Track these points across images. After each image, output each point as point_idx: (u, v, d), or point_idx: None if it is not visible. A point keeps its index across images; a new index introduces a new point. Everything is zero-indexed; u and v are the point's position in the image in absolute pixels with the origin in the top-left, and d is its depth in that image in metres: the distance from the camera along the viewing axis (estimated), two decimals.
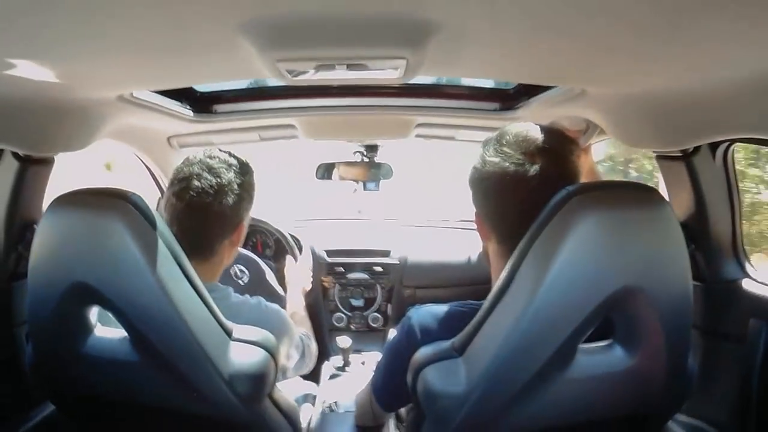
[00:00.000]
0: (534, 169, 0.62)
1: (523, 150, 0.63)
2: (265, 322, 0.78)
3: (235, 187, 0.80)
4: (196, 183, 0.77)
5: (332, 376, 1.31)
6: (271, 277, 1.43)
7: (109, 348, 0.69)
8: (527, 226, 0.58)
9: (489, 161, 0.65)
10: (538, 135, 0.64)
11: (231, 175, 0.80)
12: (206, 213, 0.78)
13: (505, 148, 0.64)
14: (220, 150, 0.84)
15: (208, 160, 0.80)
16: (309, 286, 1.38)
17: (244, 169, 0.83)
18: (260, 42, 0.57)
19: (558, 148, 0.64)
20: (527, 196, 0.62)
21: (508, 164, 0.63)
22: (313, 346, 1.05)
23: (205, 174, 0.78)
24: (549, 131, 0.65)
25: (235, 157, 0.84)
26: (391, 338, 0.76)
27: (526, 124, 0.67)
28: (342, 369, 1.34)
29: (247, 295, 0.85)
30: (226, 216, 0.80)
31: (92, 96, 0.84)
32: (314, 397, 1.20)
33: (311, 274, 1.43)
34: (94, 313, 0.71)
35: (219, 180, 0.78)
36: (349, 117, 1.24)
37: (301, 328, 1.11)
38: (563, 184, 0.58)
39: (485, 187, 0.66)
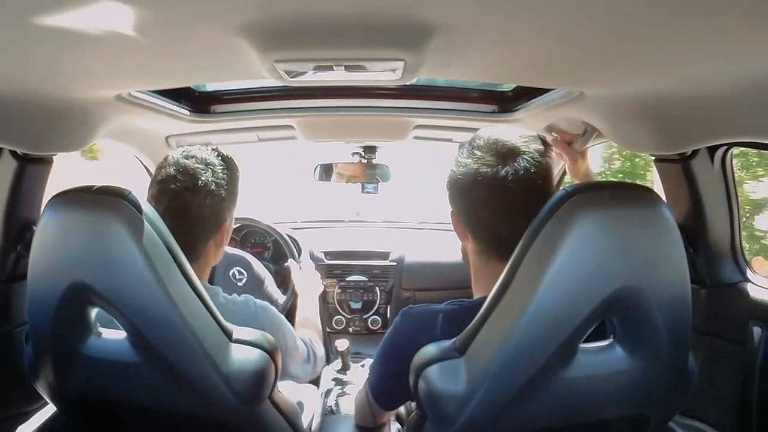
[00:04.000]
0: (506, 169, 0.65)
1: (494, 152, 0.66)
2: (253, 320, 0.77)
3: (213, 187, 0.78)
4: (172, 186, 0.76)
5: (332, 380, 1.30)
6: (270, 283, 1.43)
7: (109, 349, 0.69)
8: (503, 224, 0.63)
9: (462, 163, 0.68)
10: (508, 137, 0.68)
11: (209, 175, 0.77)
12: (185, 216, 0.76)
13: (476, 151, 0.67)
14: (201, 147, 0.81)
15: (185, 160, 0.78)
16: (321, 289, 1.38)
17: (224, 167, 0.80)
18: (258, 43, 0.57)
19: (528, 149, 0.67)
20: (501, 196, 0.65)
21: (479, 166, 0.66)
22: (320, 351, 1.04)
23: (180, 176, 0.76)
24: (519, 134, 0.69)
25: (217, 154, 0.81)
26: (384, 337, 0.77)
27: (498, 128, 0.71)
28: (341, 372, 1.33)
29: (235, 294, 0.83)
30: (206, 218, 0.78)
31: (90, 95, 0.84)
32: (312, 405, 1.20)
33: (319, 276, 1.43)
34: (93, 313, 0.70)
35: (195, 182, 0.76)
36: (347, 118, 1.24)
37: (309, 331, 1.10)
38: (536, 183, 0.63)
39: (459, 188, 0.69)
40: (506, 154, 0.66)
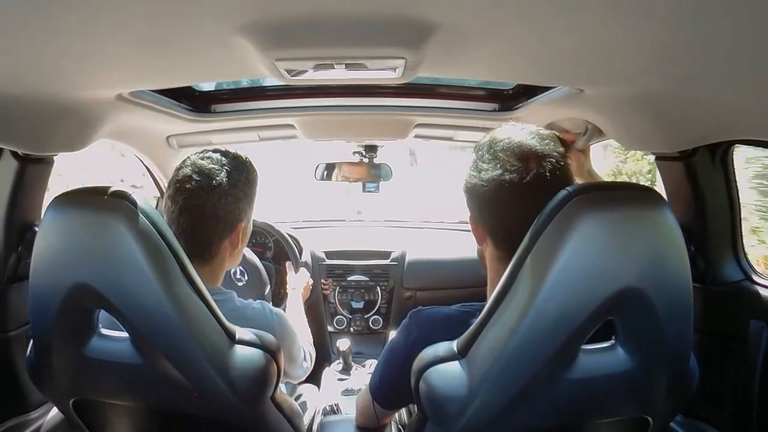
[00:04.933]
0: (531, 175, 0.63)
1: (518, 156, 0.64)
2: (268, 326, 0.78)
3: (228, 187, 0.79)
4: (188, 185, 0.78)
5: (334, 380, 1.30)
6: (269, 294, 1.43)
7: (111, 350, 0.69)
8: (526, 232, 0.59)
9: (484, 168, 0.66)
10: (531, 140, 0.65)
11: (223, 175, 0.79)
12: (199, 215, 0.78)
13: (500, 155, 0.65)
14: (218, 150, 0.83)
15: (201, 161, 0.80)
16: (308, 294, 1.40)
17: (239, 169, 0.82)
18: (259, 41, 0.57)
19: (553, 152, 0.65)
20: (526, 203, 0.62)
21: (503, 172, 0.64)
22: (312, 350, 1.06)
23: (196, 176, 0.78)
24: (540, 135, 0.66)
25: (232, 156, 0.83)
26: (391, 338, 0.77)
27: (515, 129, 0.68)
28: (343, 372, 1.33)
29: (251, 300, 0.84)
30: (220, 217, 0.79)
31: (91, 95, 0.84)
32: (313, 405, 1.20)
33: (311, 281, 1.44)
34: (96, 315, 0.70)
35: (210, 182, 0.78)
36: (348, 117, 1.24)
37: (299, 333, 1.12)
38: (559, 186, 0.58)
39: (482, 195, 0.66)
40: (529, 158, 0.64)
